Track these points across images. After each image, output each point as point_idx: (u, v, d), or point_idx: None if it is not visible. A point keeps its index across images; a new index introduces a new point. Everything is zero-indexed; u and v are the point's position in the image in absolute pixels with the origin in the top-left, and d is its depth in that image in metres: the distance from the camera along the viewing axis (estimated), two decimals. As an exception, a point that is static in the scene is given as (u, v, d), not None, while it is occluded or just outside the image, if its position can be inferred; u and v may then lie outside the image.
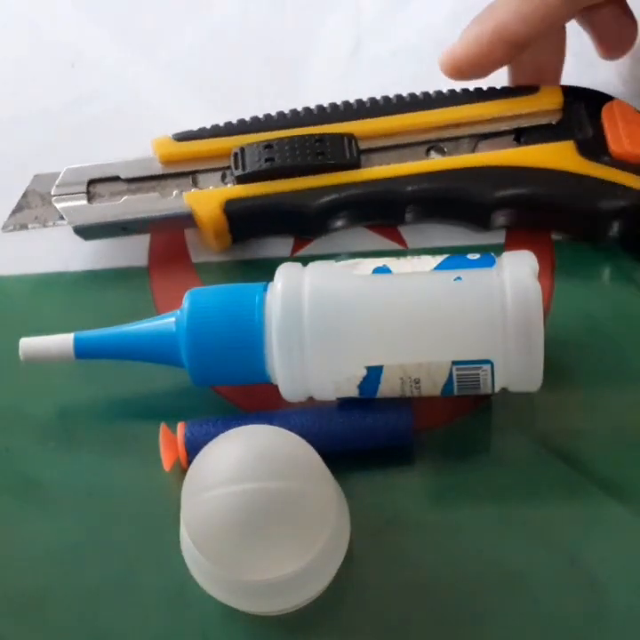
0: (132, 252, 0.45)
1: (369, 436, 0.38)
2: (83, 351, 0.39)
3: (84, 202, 0.43)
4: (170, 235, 0.45)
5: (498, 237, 0.44)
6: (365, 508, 0.37)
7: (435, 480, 0.39)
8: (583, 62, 0.45)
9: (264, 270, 0.39)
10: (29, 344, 0.40)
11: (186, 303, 0.38)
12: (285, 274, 0.38)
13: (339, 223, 0.44)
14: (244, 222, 0.43)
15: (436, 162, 0.43)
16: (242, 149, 0.43)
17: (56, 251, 0.45)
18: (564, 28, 0.44)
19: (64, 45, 0.52)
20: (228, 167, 0.43)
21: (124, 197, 0.43)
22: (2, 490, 0.40)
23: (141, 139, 0.44)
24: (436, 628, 0.36)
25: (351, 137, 0.43)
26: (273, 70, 0.50)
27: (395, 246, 0.44)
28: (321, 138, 0.43)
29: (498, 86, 0.44)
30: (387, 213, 0.44)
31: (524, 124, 0.43)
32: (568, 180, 0.41)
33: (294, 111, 0.44)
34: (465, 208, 0.43)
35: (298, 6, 0.53)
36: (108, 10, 0.53)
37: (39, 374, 0.41)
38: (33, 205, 0.44)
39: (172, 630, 0.36)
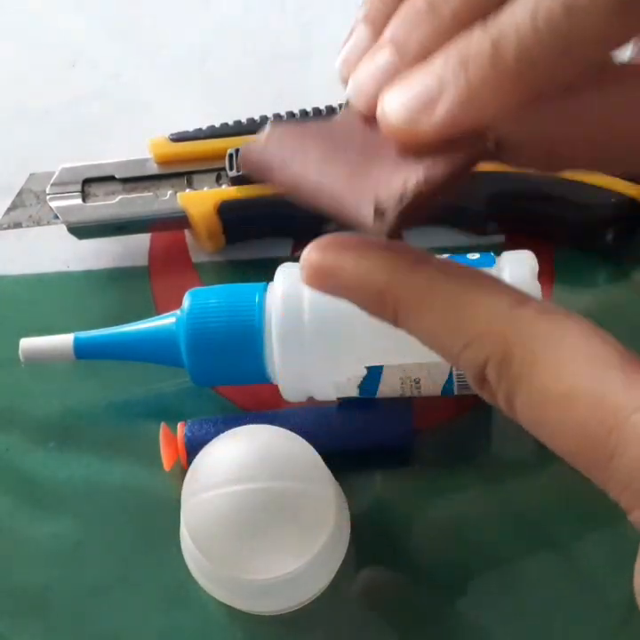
0: (133, 251, 0.45)
1: (369, 436, 0.38)
2: (83, 351, 0.39)
3: (79, 201, 0.43)
4: (170, 235, 0.45)
5: (498, 237, 0.44)
6: (365, 507, 0.37)
7: (434, 480, 0.39)
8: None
9: (264, 270, 0.39)
10: (29, 344, 0.40)
11: (186, 303, 0.38)
12: (285, 274, 0.38)
13: (332, 226, 0.44)
14: (238, 224, 0.43)
15: None
16: (237, 150, 0.43)
17: (56, 251, 0.45)
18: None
19: (65, 45, 0.52)
20: (223, 168, 0.43)
21: (119, 197, 0.43)
22: (2, 490, 0.40)
23: (140, 139, 0.44)
24: (436, 626, 0.36)
25: None
26: (272, 71, 0.50)
27: (395, 246, 0.44)
28: None
29: None
30: None
31: None
32: (561, 186, 0.41)
33: (290, 113, 0.44)
34: (458, 213, 0.42)
35: (298, 6, 0.53)
36: (109, 10, 0.53)
37: (39, 374, 0.41)
38: (27, 204, 0.44)
39: (173, 629, 0.36)
